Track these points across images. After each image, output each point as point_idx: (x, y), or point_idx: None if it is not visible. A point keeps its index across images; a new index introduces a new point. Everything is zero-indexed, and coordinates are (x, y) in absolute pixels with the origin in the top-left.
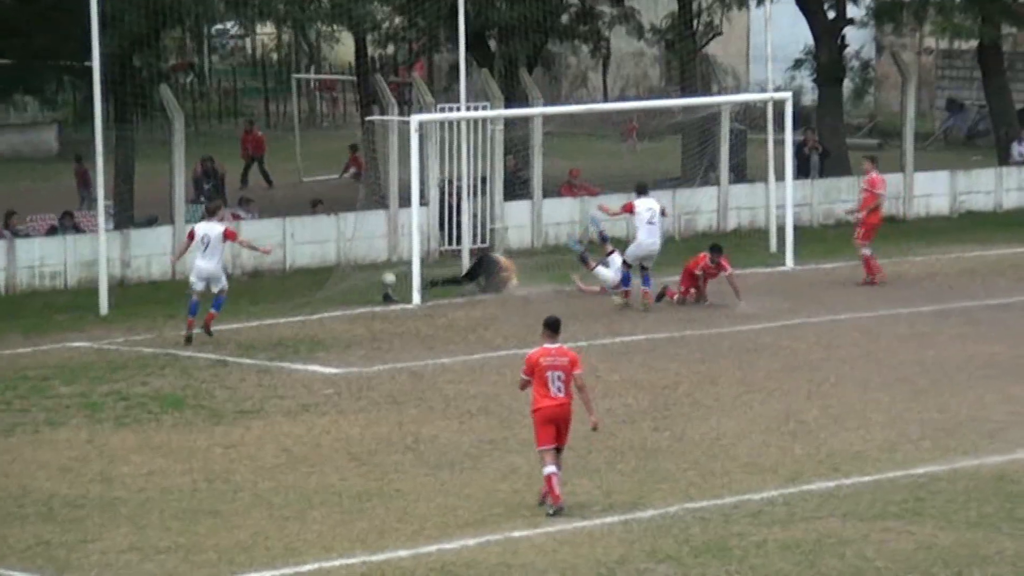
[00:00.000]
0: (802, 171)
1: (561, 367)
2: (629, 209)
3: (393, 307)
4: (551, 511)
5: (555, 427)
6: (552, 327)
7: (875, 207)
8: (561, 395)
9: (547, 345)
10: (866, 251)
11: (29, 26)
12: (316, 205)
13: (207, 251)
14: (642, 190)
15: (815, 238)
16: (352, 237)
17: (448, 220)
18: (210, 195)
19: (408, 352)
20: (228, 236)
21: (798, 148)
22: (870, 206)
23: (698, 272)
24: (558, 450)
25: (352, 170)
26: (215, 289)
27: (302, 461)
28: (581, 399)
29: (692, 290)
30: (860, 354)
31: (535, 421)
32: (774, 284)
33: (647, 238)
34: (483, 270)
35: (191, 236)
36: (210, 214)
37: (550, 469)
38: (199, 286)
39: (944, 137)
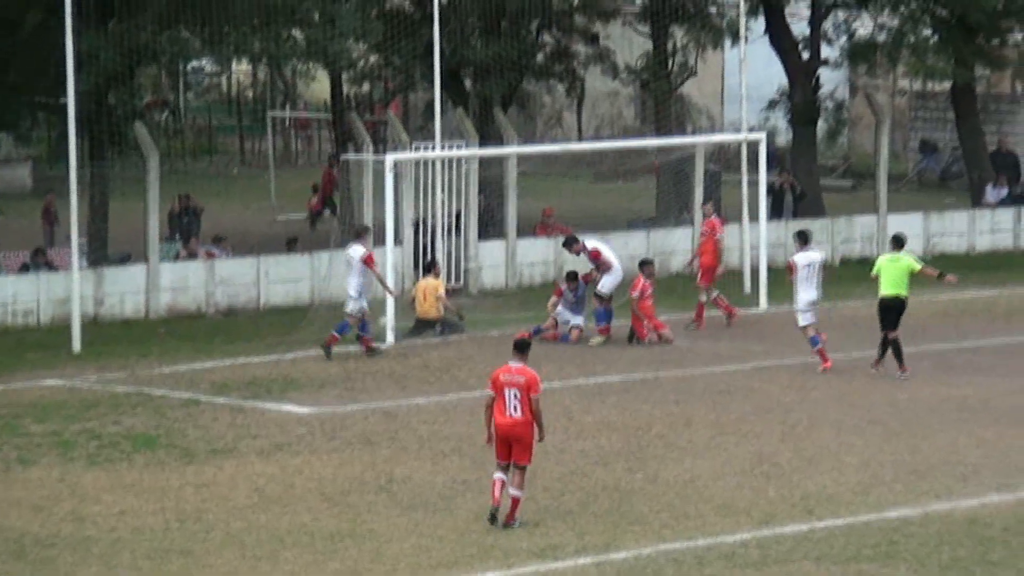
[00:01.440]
0: (776, 212)
1: (518, 385)
2: (596, 256)
3: (358, 348)
4: (489, 516)
5: (507, 445)
6: (517, 346)
7: (715, 251)
8: (516, 414)
9: (510, 363)
10: (703, 297)
11: (3, 61)
12: (292, 244)
13: (349, 272)
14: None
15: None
16: (326, 276)
17: (423, 259)
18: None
19: (382, 392)
20: (367, 261)
21: (772, 189)
22: (710, 250)
23: (637, 295)
24: (521, 468)
25: (313, 205)
26: (346, 309)
27: (275, 501)
28: (535, 421)
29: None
30: (833, 396)
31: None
32: (748, 326)
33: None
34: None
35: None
36: (357, 236)
37: (496, 475)
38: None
39: (918, 179)
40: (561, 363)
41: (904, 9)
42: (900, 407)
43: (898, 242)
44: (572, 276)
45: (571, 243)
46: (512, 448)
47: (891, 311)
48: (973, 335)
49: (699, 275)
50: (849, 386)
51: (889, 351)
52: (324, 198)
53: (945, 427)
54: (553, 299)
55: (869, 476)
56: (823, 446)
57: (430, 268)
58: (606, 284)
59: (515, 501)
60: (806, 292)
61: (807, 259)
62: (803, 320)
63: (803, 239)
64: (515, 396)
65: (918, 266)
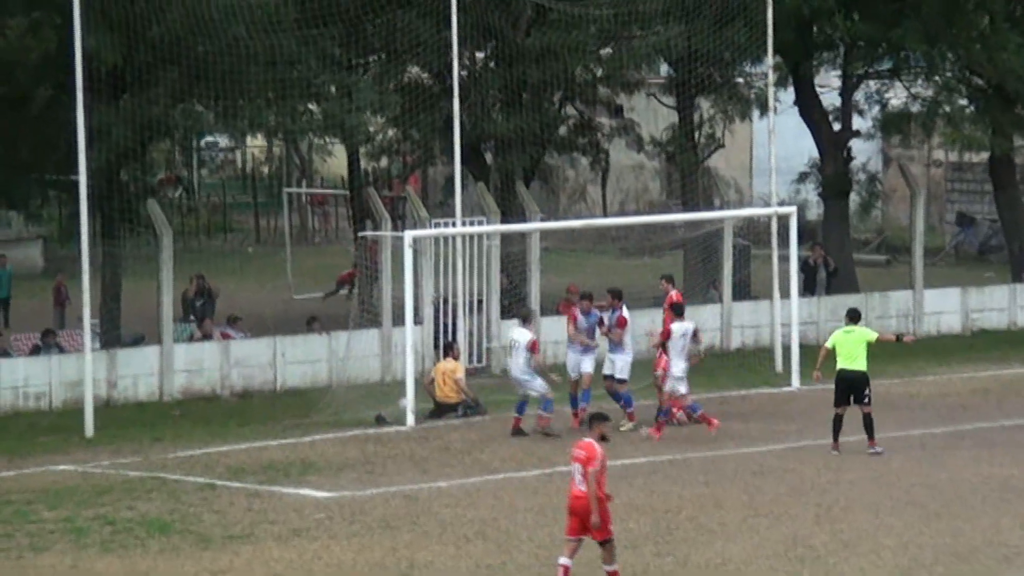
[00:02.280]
0: (808, 288)
1: (579, 460)
2: (622, 324)
3: (386, 429)
4: None
5: (576, 519)
6: (588, 419)
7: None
8: (581, 488)
9: (585, 439)
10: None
11: (13, 138)
12: (311, 323)
13: (513, 355)
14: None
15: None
16: (344, 356)
17: (443, 338)
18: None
19: (402, 475)
20: (532, 348)
21: (805, 264)
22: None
23: (661, 373)
24: (602, 545)
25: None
26: (530, 393)
27: None
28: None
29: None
30: (870, 477)
31: None
32: (779, 405)
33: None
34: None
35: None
36: (524, 320)
37: (562, 560)
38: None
39: (955, 252)
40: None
41: (939, 78)
42: (940, 488)
43: (853, 315)
44: (616, 294)
45: (586, 297)
46: (580, 521)
47: (851, 385)
48: (1016, 413)
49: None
50: (886, 467)
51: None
52: (352, 276)
53: (987, 508)
54: (570, 328)
55: (908, 559)
56: (860, 528)
57: (448, 350)
58: (624, 368)
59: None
60: (681, 361)
61: (682, 329)
62: (683, 388)
63: (678, 312)
64: (579, 471)
65: (873, 336)
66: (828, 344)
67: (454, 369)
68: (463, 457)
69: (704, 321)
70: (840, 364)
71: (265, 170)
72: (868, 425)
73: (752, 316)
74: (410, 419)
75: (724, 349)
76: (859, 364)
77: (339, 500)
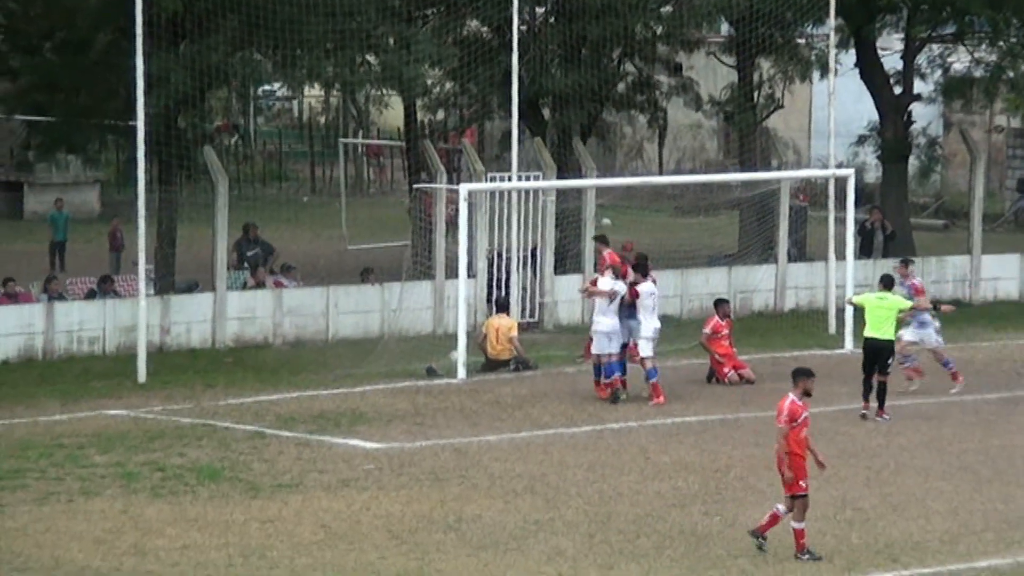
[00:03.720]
0: (865, 251)
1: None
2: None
3: (437, 381)
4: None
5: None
6: (793, 374)
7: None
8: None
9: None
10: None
11: (74, 84)
12: (366, 274)
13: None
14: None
15: None
16: (397, 308)
17: (496, 294)
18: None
19: (452, 428)
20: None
21: (861, 226)
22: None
23: (708, 331)
24: (792, 499)
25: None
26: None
27: (341, 538)
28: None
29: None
30: (921, 442)
31: None
32: (832, 367)
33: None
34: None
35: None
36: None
37: (777, 505)
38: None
39: (1014, 219)
40: (639, 402)
41: (1003, 43)
42: (992, 454)
43: (887, 282)
44: (642, 264)
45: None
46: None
47: (878, 353)
48: None
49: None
50: (938, 432)
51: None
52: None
53: None
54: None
55: (958, 524)
56: (909, 492)
57: (504, 307)
58: (647, 346)
59: (794, 532)
60: (652, 320)
61: (650, 288)
62: (649, 350)
63: (643, 271)
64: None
65: (907, 304)
66: (856, 300)
67: (510, 327)
68: (513, 411)
69: (758, 281)
70: (868, 332)
71: (322, 120)
72: (882, 393)
73: (807, 278)
74: (461, 372)
75: (778, 310)
76: (887, 333)
77: (388, 451)
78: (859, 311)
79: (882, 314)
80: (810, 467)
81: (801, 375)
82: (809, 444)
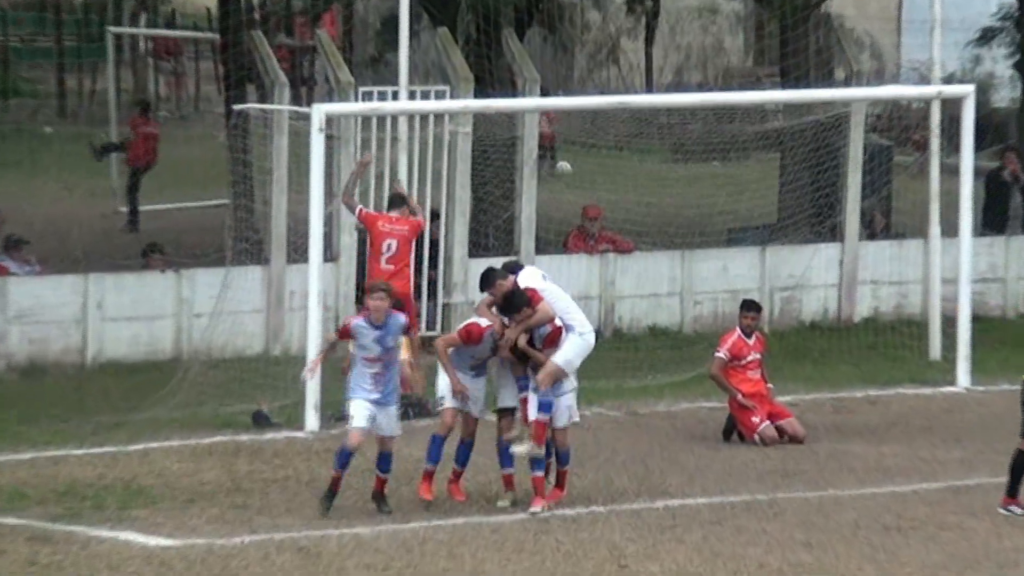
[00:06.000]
0: (993, 220)
1: None
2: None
3: (272, 435)
4: None
5: None
6: None
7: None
8: None
9: None
10: None
11: None
12: (151, 254)
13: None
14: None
15: (1011, 337)
16: (213, 311)
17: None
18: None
19: (295, 514)
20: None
21: (988, 179)
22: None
23: (725, 356)
24: None
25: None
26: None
27: None
28: None
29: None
30: None
31: None
32: (935, 416)
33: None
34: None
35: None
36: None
37: None
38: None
39: None
40: (610, 467)
41: None
42: None
43: None
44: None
45: (493, 279)
46: None
47: None
48: None
49: None
50: None
51: None
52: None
53: None
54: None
55: None
56: None
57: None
58: (567, 353)
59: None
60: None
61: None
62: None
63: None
64: None
65: None
66: None
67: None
68: (397, 485)
69: (813, 272)
70: None
71: None
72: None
73: (893, 266)
74: (311, 419)
75: (844, 320)
76: None
77: (187, 552)
78: (990, 324)
79: None
80: None
81: None
82: None
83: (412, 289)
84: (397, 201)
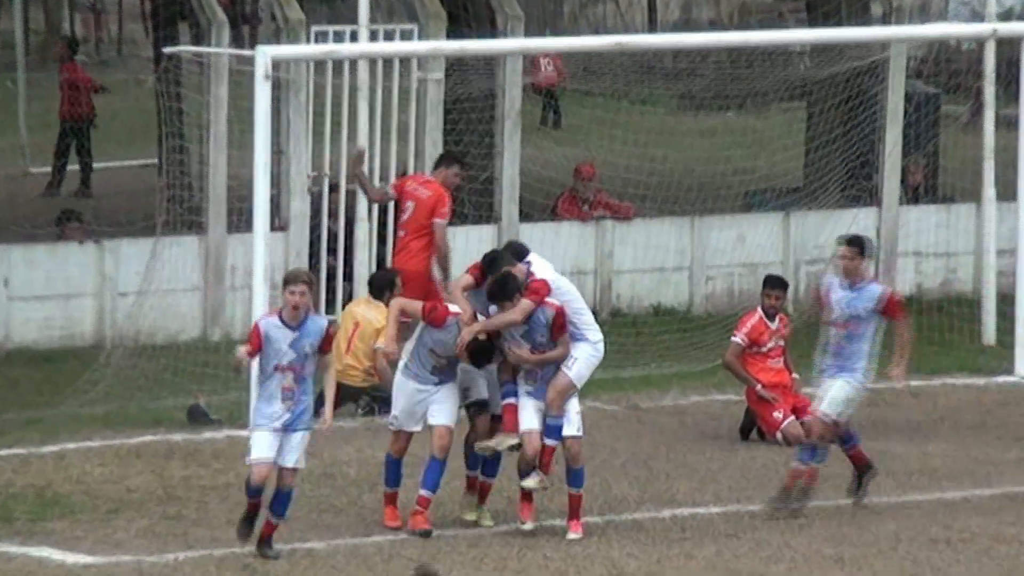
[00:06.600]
0: None
1: None
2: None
3: (210, 434)
4: None
5: None
6: None
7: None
8: None
9: None
10: None
11: None
12: (66, 222)
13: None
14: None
15: None
16: (139, 289)
17: (330, 258)
18: None
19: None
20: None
21: None
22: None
23: (742, 341)
24: None
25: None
26: None
27: None
28: None
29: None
30: None
31: None
32: (989, 411)
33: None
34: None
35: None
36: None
37: None
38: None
39: None
40: (607, 471)
41: None
42: None
43: None
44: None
45: (501, 264)
46: None
47: None
48: None
49: None
50: None
51: None
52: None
53: None
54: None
55: None
56: None
57: (383, 286)
58: (580, 367)
59: None
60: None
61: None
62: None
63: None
64: None
65: None
66: None
67: (378, 329)
68: (359, 493)
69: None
70: None
71: None
72: None
73: (940, 235)
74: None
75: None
76: None
77: (112, 571)
78: None
79: None
80: None
81: None
82: None
83: (426, 267)
84: (446, 160)
